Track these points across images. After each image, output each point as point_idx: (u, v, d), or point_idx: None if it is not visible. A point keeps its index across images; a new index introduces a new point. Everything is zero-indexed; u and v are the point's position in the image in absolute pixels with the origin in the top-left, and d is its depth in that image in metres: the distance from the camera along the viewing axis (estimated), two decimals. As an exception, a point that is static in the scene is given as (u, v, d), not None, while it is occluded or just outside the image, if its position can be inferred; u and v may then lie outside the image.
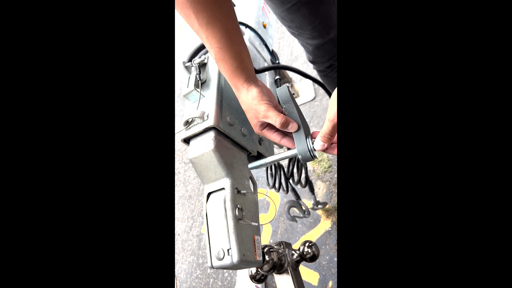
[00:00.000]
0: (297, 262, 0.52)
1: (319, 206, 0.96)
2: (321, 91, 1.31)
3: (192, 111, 0.47)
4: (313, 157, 0.40)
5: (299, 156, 0.40)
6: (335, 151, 0.39)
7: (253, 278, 0.54)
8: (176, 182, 1.71)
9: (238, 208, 0.43)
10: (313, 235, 1.01)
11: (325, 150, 0.39)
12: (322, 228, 1.00)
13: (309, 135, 0.41)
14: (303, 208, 0.85)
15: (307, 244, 0.52)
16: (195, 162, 0.45)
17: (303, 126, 0.41)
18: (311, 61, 0.86)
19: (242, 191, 0.46)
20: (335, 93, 0.36)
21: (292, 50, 1.57)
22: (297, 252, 0.52)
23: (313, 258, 0.51)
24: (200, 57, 0.52)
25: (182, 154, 1.85)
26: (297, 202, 0.84)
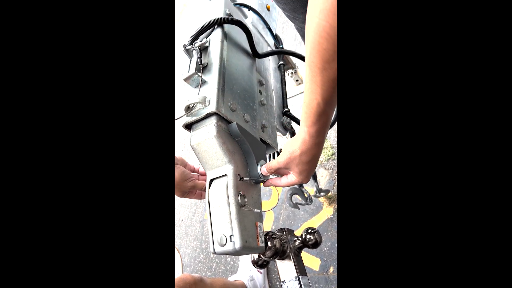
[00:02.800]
0: (299, 249, 0.52)
1: (322, 193, 0.96)
2: (326, 77, 1.28)
3: (193, 96, 0.46)
4: (262, 180, 0.48)
5: (246, 178, 0.46)
6: (272, 182, 0.48)
7: (255, 263, 0.54)
8: (179, 169, 1.72)
9: (241, 195, 0.43)
10: (315, 222, 1.01)
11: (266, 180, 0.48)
12: (324, 215, 1.01)
13: (260, 160, 0.48)
14: (306, 195, 0.84)
15: (309, 230, 0.52)
16: (196, 149, 0.45)
17: (255, 153, 0.47)
18: None
19: (244, 178, 0.46)
20: (288, 142, 0.42)
21: (296, 35, 1.53)
22: (300, 238, 0.52)
23: (315, 244, 0.51)
24: (201, 40, 0.50)
25: (185, 141, 1.85)
26: (299, 189, 0.84)
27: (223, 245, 0.40)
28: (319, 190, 0.94)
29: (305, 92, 0.36)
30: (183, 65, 0.51)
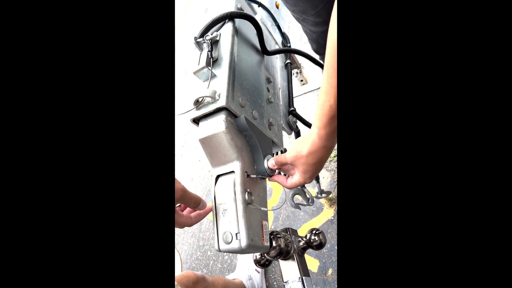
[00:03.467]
0: (303, 249, 0.51)
1: (323, 195, 0.96)
2: (330, 78, 1.27)
3: (203, 90, 0.45)
4: (268, 175, 0.47)
5: (253, 176, 0.46)
6: (278, 180, 0.47)
7: (257, 262, 0.53)
8: (178, 165, 1.71)
9: (248, 192, 0.42)
10: (315, 223, 1.01)
11: (273, 175, 0.48)
12: (325, 216, 1.00)
13: (267, 155, 0.48)
14: (308, 196, 0.84)
15: (314, 231, 0.52)
16: (204, 144, 0.44)
17: (262, 148, 0.47)
18: (315, 51, 0.81)
19: (251, 175, 0.45)
20: (297, 140, 0.42)
21: (302, 35, 1.52)
22: (304, 239, 0.52)
23: (319, 246, 0.50)
24: (212, 34, 0.49)
25: (186, 137, 1.84)
26: (301, 189, 0.83)
27: (229, 243, 0.39)
28: (321, 192, 0.94)
29: (320, 93, 0.35)
30: (191, 58, 0.50)
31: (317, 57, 0.81)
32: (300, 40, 1.51)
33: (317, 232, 0.51)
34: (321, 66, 0.79)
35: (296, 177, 0.44)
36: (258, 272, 0.98)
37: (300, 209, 0.97)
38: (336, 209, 0.99)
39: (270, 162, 0.46)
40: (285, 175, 0.48)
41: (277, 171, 0.49)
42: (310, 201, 0.86)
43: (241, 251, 0.39)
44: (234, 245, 0.39)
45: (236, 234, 0.39)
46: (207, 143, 0.44)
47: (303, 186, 0.85)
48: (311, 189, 1.05)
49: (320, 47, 0.75)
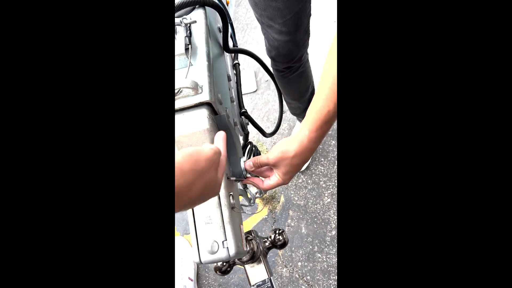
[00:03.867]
0: (268, 249, 0.52)
1: (260, 194, 1.00)
2: (263, 84, 1.34)
3: (181, 79, 0.39)
4: (244, 177, 0.46)
5: (233, 178, 0.45)
6: (255, 182, 0.47)
7: (218, 270, 0.50)
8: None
9: (232, 196, 0.39)
10: (250, 222, 1.03)
11: (247, 176, 0.47)
12: (259, 215, 1.04)
13: (242, 157, 0.47)
14: (249, 196, 0.85)
15: (277, 231, 0.53)
16: (182, 141, 0.38)
17: (239, 150, 0.47)
18: (272, 57, 0.85)
19: (231, 178, 0.42)
20: (282, 141, 0.42)
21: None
22: (269, 239, 0.53)
23: (283, 245, 0.52)
24: (188, 18, 0.44)
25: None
26: (244, 190, 0.84)
27: (214, 253, 0.35)
28: (260, 192, 0.97)
29: (317, 97, 0.37)
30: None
31: (268, 63, 0.83)
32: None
33: (280, 231, 0.53)
34: (271, 74, 0.82)
35: (274, 179, 0.44)
36: (191, 280, 0.92)
37: (243, 210, 0.97)
38: (270, 208, 1.05)
39: (247, 163, 0.44)
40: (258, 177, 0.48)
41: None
42: (252, 201, 0.87)
43: (227, 259, 0.36)
44: (221, 254, 0.35)
45: (223, 242, 0.36)
46: (185, 141, 0.38)
47: (245, 187, 0.86)
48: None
49: (278, 56, 0.78)
